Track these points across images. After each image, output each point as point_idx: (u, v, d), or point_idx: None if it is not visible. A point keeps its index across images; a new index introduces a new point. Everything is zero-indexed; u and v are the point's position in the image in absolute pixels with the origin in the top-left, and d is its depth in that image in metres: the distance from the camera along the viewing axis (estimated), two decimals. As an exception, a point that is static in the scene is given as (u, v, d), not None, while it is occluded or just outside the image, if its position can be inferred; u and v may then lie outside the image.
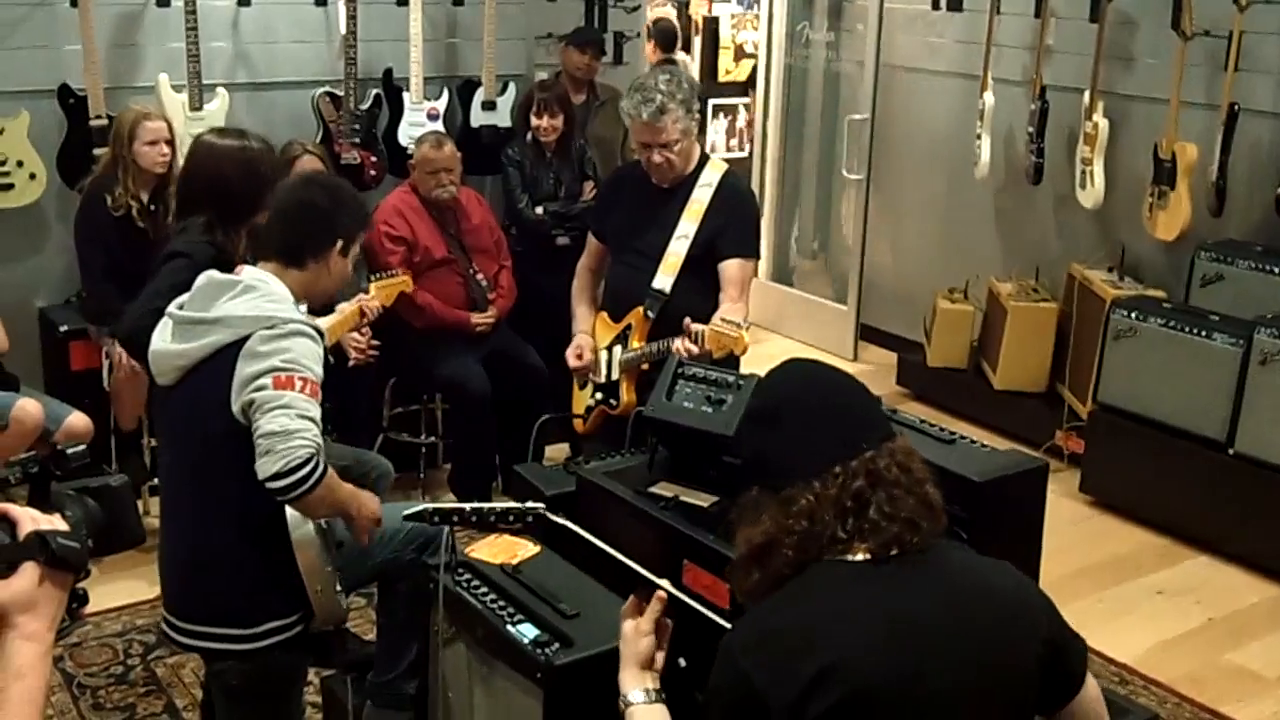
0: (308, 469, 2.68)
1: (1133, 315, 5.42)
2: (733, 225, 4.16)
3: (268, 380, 2.71)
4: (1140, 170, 5.88)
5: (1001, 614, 1.86)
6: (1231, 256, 5.47)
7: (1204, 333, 5.17)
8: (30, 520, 1.54)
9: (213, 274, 2.94)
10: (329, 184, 3.22)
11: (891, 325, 7.37)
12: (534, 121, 5.60)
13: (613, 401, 4.28)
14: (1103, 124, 5.97)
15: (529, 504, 2.66)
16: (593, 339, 4.41)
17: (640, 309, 4.20)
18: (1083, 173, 6.10)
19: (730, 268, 4.14)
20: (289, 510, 2.79)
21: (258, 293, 2.85)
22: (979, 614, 1.84)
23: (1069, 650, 1.93)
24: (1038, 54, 6.30)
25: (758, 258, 4.31)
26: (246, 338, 2.76)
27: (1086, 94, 6.00)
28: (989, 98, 6.50)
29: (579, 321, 4.50)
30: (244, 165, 3.66)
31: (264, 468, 2.67)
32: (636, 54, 6.72)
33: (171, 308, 2.94)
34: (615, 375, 4.29)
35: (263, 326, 2.76)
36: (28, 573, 1.51)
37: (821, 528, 1.83)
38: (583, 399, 4.44)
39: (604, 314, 4.46)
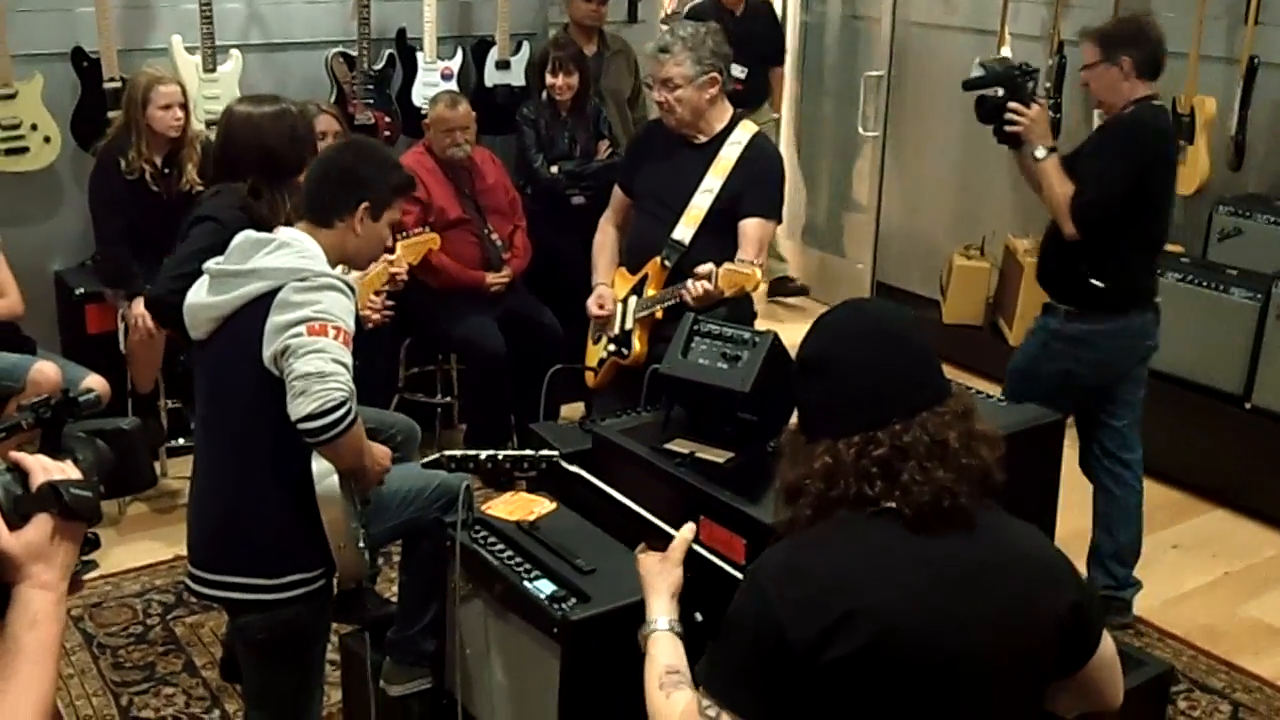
0: (341, 412, 2.69)
1: (1150, 270, 5.40)
2: (756, 184, 4.18)
3: (301, 328, 2.72)
4: (1158, 124, 5.84)
5: (1030, 577, 1.86)
6: (1250, 211, 5.43)
7: (1222, 287, 5.15)
8: (42, 470, 1.54)
9: (249, 232, 2.97)
10: (361, 145, 3.28)
11: (907, 282, 7.34)
12: (549, 80, 5.57)
13: (624, 351, 4.29)
14: (1120, 78, 5.92)
15: (544, 451, 2.67)
16: (613, 290, 4.42)
17: (657, 259, 4.21)
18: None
19: (750, 226, 4.15)
20: (314, 465, 2.80)
21: (292, 249, 2.88)
22: (1008, 575, 1.84)
23: (1091, 613, 1.93)
24: (1055, 8, 6.24)
25: (779, 220, 4.32)
26: (279, 289, 2.78)
27: (1104, 48, 5.94)
28: (1006, 53, 6.45)
29: (599, 274, 4.51)
30: (285, 128, 3.68)
31: (298, 408, 2.67)
32: (652, 11, 6.69)
33: (209, 264, 2.96)
34: (629, 325, 4.30)
35: (295, 278, 2.78)
36: (41, 524, 1.52)
37: (840, 491, 1.83)
38: (595, 353, 4.45)
39: (622, 269, 4.46)
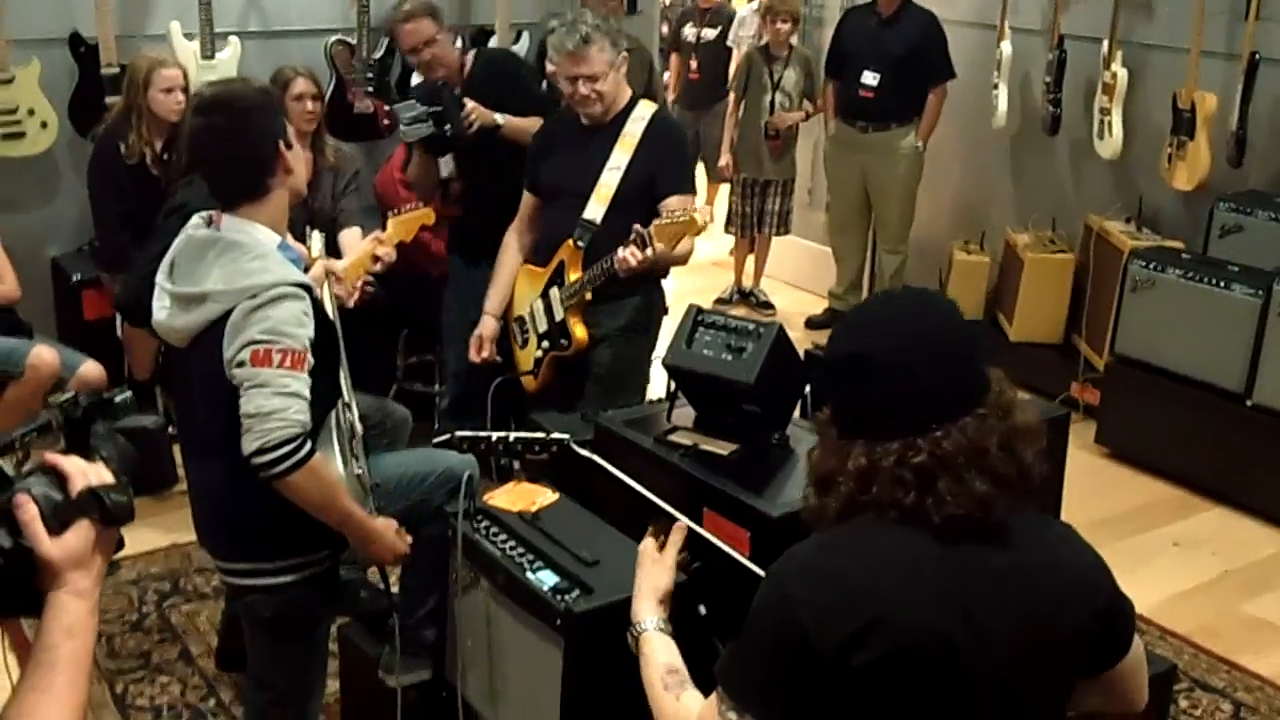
0: (283, 450, 2.65)
1: (1151, 266, 5.39)
2: (669, 163, 4.18)
3: (245, 355, 2.67)
4: (1159, 120, 5.83)
5: (1060, 583, 1.80)
6: (1251, 207, 5.43)
7: (1223, 284, 5.14)
8: (81, 475, 1.49)
9: (191, 234, 2.87)
10: (223, 104, 2.90)
11: (907, 276, 7.31)
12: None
13: (564, 342, 4.22)
14: (1121, 73, 5.91)
15: (554, 435, 2.65)
16: (497, 322, 4.39)
17: (570, 241, 4.15)
18: (1101, 123, 6.05)
19: (672, 201, 4.13)
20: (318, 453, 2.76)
21: (240, 252, 2.76)
22: (1038, 581, 1.78)
23: (1122, 616, 1.88)
24: (1056, 2, 6.23)
25: (695, 193, 4.32)
26: (234, 308, 2.71)
27: (1105, 43, 5.94)
28: (1006, 47, 6.44)
29: (489, 299, 4.44)
30: None
31: (244, 445, 2.66)
32: (651, 3, 6.66)
33: (161, 277, 2.88)
34: (559, 316, 4.23)
35: (247, 296, 2.70)
36: (82, 530, 1.48)
37: (871, 495, 1.76)
38: (528, 355, 4.37)
39: (529, 266, 4.39)
